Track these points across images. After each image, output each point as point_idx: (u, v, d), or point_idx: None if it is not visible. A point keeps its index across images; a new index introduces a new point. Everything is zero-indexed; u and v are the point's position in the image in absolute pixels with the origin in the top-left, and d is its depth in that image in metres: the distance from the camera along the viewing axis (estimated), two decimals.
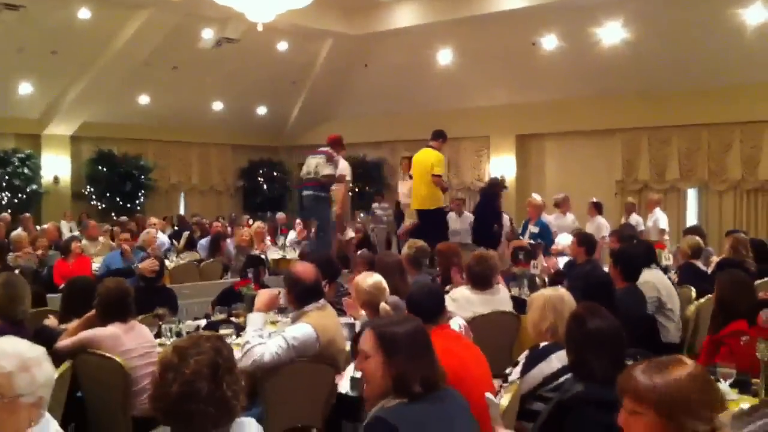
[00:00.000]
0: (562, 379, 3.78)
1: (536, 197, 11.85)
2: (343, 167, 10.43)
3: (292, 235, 13.16)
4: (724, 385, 3.95)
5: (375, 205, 15.24)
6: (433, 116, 17.45)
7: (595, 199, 12.65)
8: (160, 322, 5.43)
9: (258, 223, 12.31)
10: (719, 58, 13.05)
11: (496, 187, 11.46)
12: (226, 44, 15.50)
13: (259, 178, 21.16)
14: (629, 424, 2.16)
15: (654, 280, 6.40)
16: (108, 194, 17.98)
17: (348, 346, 5.03)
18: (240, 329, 5.14)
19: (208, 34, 15.38)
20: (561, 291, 4.52)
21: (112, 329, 4.70)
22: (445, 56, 15.33)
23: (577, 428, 2.99)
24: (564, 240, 8.95)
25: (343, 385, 3.06)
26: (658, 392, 2.09)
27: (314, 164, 9.83)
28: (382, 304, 4.92)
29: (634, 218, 12.18)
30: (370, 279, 5.09)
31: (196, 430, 2.47)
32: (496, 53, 15.01)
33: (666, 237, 11.71)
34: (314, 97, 19.20)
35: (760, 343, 3.67)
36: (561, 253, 8.61)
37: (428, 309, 4.19)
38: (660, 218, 12.21)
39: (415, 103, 17.56)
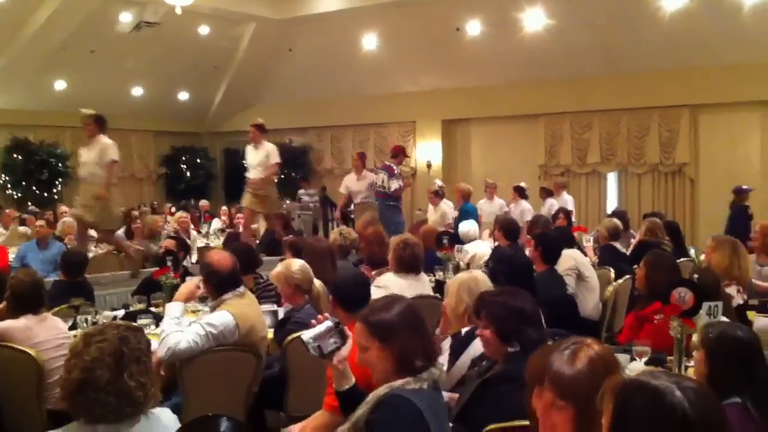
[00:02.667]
0: (485, 362, 3.81)
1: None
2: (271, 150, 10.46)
3: (216, 222, 12.96)
4: (639, 363, 4.02)
5: (301, 191, 15.17)
6: (359, 101, 17.47)
7: (520, 184, 12.85)
8: (76, 314, 5.26)
9: (180, 213, 12.06)
10: (638, 43, 13.35)
11: None
12: (146, 28, 15.10)
13: (182, 165, 20.73)
14: (549, 415, 2.17)
15: (570, 253, 6.61)
16: (24, 183, 17.37)
17: (271, 334, 4.98)
18: (159, 319, 5.02)
19: (126, 18, 14.95)
20: (475, 273, 4.55)
21: (24, 321, 4.58)
22: (370, 41, 15.27)
23: (499, 405, 3.01)
24: (465, 227, 8.95)
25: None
26: (579, 385, 2.11)
27: (381, 179, 11.10)
28: (318, 282, 4.88)
29: (549, 202, 12.42)
30: (295, 264, 5.03)
31: (97, 419, 2.40)
32: (421, 39, 15.03)
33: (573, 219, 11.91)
34: (238, 83, 18.89)
35: (673, 320, 3.74)
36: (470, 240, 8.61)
37: (354, 296, 4.17)
38: (568, 201, 12.46)
39: (341, 89, 17.47)
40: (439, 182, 12.75)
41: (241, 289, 4.65)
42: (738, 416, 2.79)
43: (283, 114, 18.70)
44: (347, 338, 2.97)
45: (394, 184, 11.03)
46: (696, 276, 4.65)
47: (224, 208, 15.27)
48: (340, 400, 3.04)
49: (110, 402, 2.37)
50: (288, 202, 15.48)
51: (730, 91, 13.26)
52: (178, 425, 2.64)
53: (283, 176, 18.05)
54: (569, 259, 6.53)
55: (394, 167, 11.28)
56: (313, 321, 3.07)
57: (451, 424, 3.15)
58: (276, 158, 10.04)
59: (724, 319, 3.81)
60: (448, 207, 12.01)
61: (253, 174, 10.04)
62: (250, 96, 19.24)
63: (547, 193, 12.85)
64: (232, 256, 4.71)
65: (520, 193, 12.74)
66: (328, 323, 3.00)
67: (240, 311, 4.44)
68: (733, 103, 13.51)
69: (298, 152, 18.71)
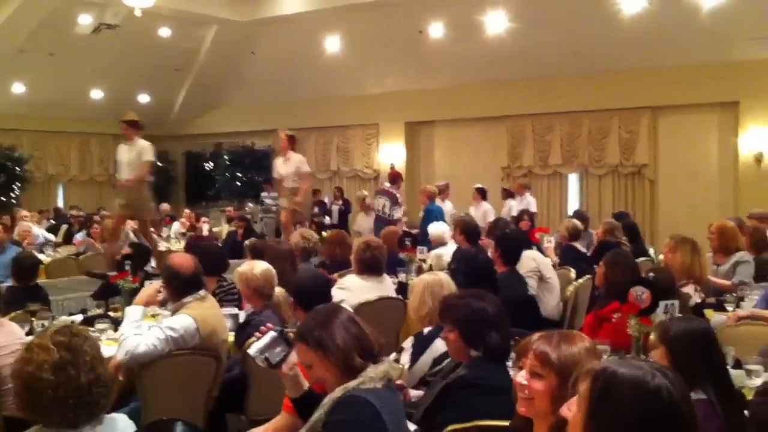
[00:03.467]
0: (445, 363, 3.82)
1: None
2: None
3: (176, 225, 12.84)
4: None
5: (264, 194, 15.07)
6: (322, 104, 17.43)
7: (479, 185, 12.92)
8: (33, 319, 5.17)
9: None
10: (599, 45, 13.48)
11: None
12: (106, 30, 14.91)
13: None
14: (531, 384, 2.31)
15: (531, 254, 6.69)
16: None
17: (231, 337, 4.94)
18: (118, 323, 4.95)
19: (85, 20, 14.75)
20: (440, 276, 4.58)
21: None
22: (333, 44, 15.24)
23: (462, 408, 3.03)
24: (434, 228, 8.96)
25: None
26: (562, 358, 2.27)
27: (382, 204, 11.07)
28: (279, 288, 4.86)
29: (509, 203, 12.51)
30: (259, 267, 5.01)
31: (55, 424, 2.41)
32: (384, 41, 15.04)
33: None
34: (200, 85, 18.74)
35: (630, 319, 3.78)
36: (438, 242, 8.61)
37: (314, 296, 4.19)
38: (531, 202, 12.55)
39: (304, 91, 17.42)
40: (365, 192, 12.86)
41: (202, 292, 4.61)
42: (703, 411, 2.82)
43: (245, 117, 18.63)
44: (294, 344, 2.97)
45: (398, 213, 11.20)
46: (651, 275, 4.71)
47: (186, 211, 15.13)
48: (296, 406, 3.05)
49: (66, 406, 2.37)
50: (251, 205, 15.39)
51: (689, 92, 13.45)
52: (135, 430, 2.62)
53: (246, 179, 18.02)
54: (530, 260, 6.59)
55: (397, 194, 11.38)
56: (257, 334, 3.07)
57: (414, 427, 3.16)
58: (149, 156, 9.50)
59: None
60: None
61: (125, 174, 9.50)
62: (212, 99, 19.10)
63: (507, 194, 12.93)
64: (194, 258, 4.67)
65: (482, 194, 12.81)
66: (272, 333, 3.00)
67: (201, 314, 4.40)
68: (691, 104, 13.71)
69: (260, 155, 18.62)
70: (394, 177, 12.18)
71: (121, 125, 9.68)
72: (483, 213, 12.25)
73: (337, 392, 2.71)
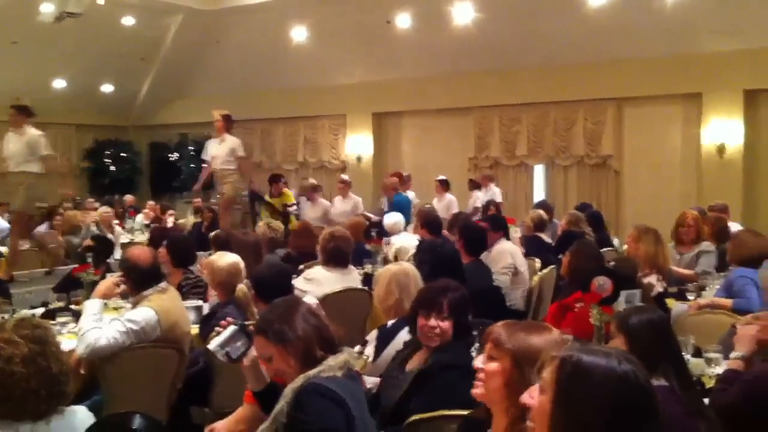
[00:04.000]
0: (405, 351, 3.82)
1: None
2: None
3: (140, 217, 12.70)
4: None
5: None
6: (289, 94, 17.33)
7: (441, 177, 12.93)
8: None
9: (103, 208, 11.77)
10: (565, 37, 13.53)
11: None
12: (69, 18, 14.65)
13: (106, 159, 20.21)
14: (486, 367, 2.34)
15: (509, 249, 6.72)
16: None
17: (195, 329, 4.90)
18: (79, 316, 4.88)
19: (48, 8, 14.49)
20: (405, 266, 4.57)
21: None
22: (299, 33, 15.14)
23: (437, 393, 3.08)
24: (389, 218, 8.95)
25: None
26: (517, 342, 2.29)
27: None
28: (241, 285, 4.83)
29: (475, 194, 12.54)
30: (226, 259, 4.97)
31: (16, 417, 2.41)
32: (352, 31, 14.98)
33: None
34: (165, 75, 18.52)
35: (592, 308, 3.82)
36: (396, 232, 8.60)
37: (275, 288, 4.17)
38: (496, 193, 12.60)
39: (271, 81, 17.29)
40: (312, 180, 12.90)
41: (163, 284, 4.59)
42: (664, 398, 2.83)
43: (210, 107, 18.03)
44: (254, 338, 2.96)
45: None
46: (613, 264, 4.75)
47: (150, 202, 14.96)
48: (259, 400, 3.04)
49: (39, 397, 2.40)
50: (218, 196, 15.23)
51: (653, 84, 13.56)
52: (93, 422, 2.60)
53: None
54: (506, 256, 6.61)
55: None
56: (218, 328, 3.05)
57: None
58: (43, 149, 8.99)
59: (641, 305, 3.90)
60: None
61: (11, 166, 8.96)
62: (177, 88, 18.88)
63: (474, 185, 12.97)
64: (152, 250, 4.64)
65: (444, 186, 12.84)
66: (233, 327, 2.99)
67: (162, 307, 4.38)
68: (655, 96, 13.83)
69: None
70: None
71: (10, 111, 9.04)
72: (446, 204, 12.30)
73: (298, 381, 2.70)
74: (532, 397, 1.83)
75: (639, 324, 3.04)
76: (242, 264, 5.00)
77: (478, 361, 2.39)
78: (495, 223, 7.19)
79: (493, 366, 2.31)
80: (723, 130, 13.13)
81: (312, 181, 12.76)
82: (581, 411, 1.70)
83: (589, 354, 1.76)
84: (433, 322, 3.38)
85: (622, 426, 1.69)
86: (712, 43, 12.78)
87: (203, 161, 14.16)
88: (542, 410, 1.77)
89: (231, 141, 10.71)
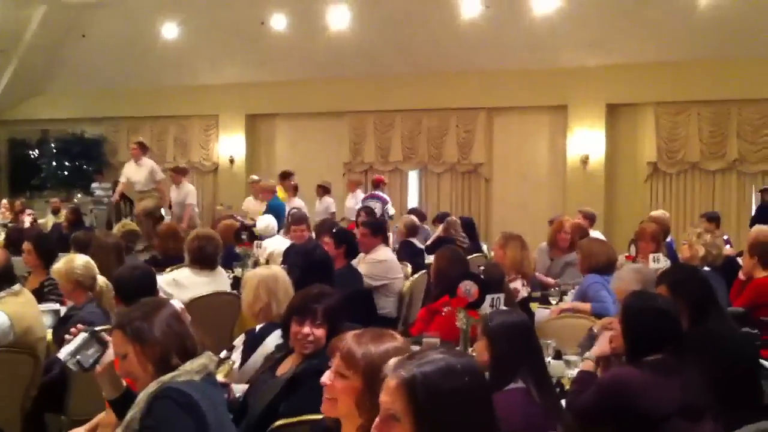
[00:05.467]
0: (277, 355, 3.76)
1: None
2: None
3: None
4: None
5: (95, 184, 14.43)
6: (158, 92, 16.82)
7: (322, 183, 12.93)
8: None
9: None
10: (438, 46, 13.79)
11: None
12: None
13: None
14: (334, 384, 2.24)
15: (389, 258, 6.73)
16: None
17: (50, 334, 4.67)
18: None
19: None
20: (275, 270, 4.50)
21: None
22: (170, 30, 14.74)
23: (306, 399, 2.98)
24: (262, 222, 8.86)
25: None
26: (368, 360, 2.19)
27: (378, 209, 11.08)
28: (101, 278, 4.62)
29: (326, 200, 12.55)
30: (80, 259, 4.75)
31: None
32: (225, 30, 14.71)
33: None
34: (26, 68, 17.56)
35: (459, 312, 3.86)
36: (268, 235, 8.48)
37: (136, 290, 4.03)
38: (330, 204, 12.63)
39: (139, 78, 16.71)
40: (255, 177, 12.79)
41: (17, 287, 4.37)
42: (521, 400, 2.95)
43: (75, 103, 17.68)
44: (108, 344, 2.84)
45: (391, 210, 12.07)
46: (482, 269, 4.85)
47: (5, 201, 14.19)
48: (114, 408, 2.90)
49: None
50: (79, 196, 14.65)
51: (521, 95, 14.00)
52: None
53: (74, 169, 17.13)
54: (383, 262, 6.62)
55: (385, 195, 12.19)
56: (67, 336, 2.90)
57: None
58: None
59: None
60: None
61: None
62: (39, 83, 17.97)
63: (324, 190, 12.93)
64: (4, 251, 4.38)
65: (324, 189, 12.84)
66: (84, 335, 2.85)
67: (14, 310, 4.18)
68: (524, 107, 14.28)
69: (91, 144, 17.76)
70: (378, 180, 12.69)
71: None
72: (325, 207, 12.35)
73: (152, 386, 2.60)
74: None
75: (499, 327, 3.12)
76: (93, 263, 4.79)
77: (325, 377, 2.30)
78: (375, 228, 7.11)
79: (344, 386, 2.23)
80: (587, 141, 13.73)
81: (255, 177, 12.96)
82: (444, 422, 1.69)
83: (424, 367, 1.72)
84: (307, 329, 3.32)
85: (481, 414, 1.71)
86: (576, 58, 13.35)
87: (98, 171, 14.00)
88: None
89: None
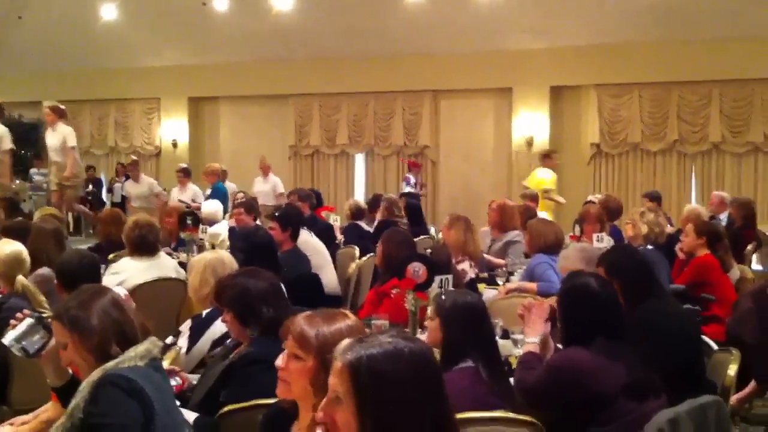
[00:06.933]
0: (228, 342, 3.73)
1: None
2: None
3: None
4: None
5: (33, 170, 14.09)
6: (98, 75, 16.44)
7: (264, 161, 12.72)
8: None
9: None
10: (384, 28, 13.75)
11: None
12: None
13: None
14: (288, 366, 2.24)
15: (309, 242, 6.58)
16: None
17: None
18: None
19: None
20: (221, 254, 4.46)
21: None
22: (109, 11, 14.39)
23: (248, 385, 3.02)
24: (206, 207, 8.72)
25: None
26: (321, 340, 2.18)
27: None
28: (20, 277, 4.45)
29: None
30: (9, 248, 4.58)
31: None
32: (165, 11, 14.41)
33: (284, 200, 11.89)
34: None
35: (408, 294, 3.86)
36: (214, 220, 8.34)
37: (79, 277, 3.95)
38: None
39: (78, 61, 16.28)
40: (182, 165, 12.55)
41: None
42: (469, 379, 2.99)
43: (12, 86, 17.11)
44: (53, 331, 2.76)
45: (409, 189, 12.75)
46: (429, 251, 4.85)
47: None
48: (59, 396, 2.84)
49: None
50: (18, 182, 14.24)
51: (467, 78, 14.07)
52: None
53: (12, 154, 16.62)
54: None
55: (412, 177, 12.99)
56: (12, 321, 2.82)
57: (193, 415, 3.07)
58: None
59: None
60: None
61: None
62: None
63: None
64: None
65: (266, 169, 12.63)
66: (29, 320, 2.78)
67: None
68: (470, 89, 14.35)
69: (28, 128, 17.24)
70: (410, 165, 13.37)
71: None
72: (273, 186, 12.12)
73: (95, 374, 2.54)
74: (326, 413, 1.76)
75: (453, 308, 3.14)
76: (26, 253, 4.62)
77: (280, 360, 2.29)
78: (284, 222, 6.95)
79: (297, 365, 2.22)
80: (531, 123, 13.86)
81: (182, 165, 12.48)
82: (388, 406, 1.68)
83: (371, 348, 1.72)
84: (224, 315, 3.35)
85: (428, 398, 1.70)
86: (521, 42, 13.45)
87: (36, 156, 13.51)
88: (347, 424, 1.71)
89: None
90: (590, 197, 9.79)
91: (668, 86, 13.10)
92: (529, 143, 13.87)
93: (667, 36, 12.67)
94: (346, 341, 1.82)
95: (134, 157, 13.18)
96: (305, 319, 2.27)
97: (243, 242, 5.24)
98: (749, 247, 7.97)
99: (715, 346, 3.99)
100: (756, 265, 8.08)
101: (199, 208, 9.64)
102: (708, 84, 12.85)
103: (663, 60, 12.84)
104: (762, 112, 12.68)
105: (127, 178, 12.41)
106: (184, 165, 12.58)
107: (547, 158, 11.61)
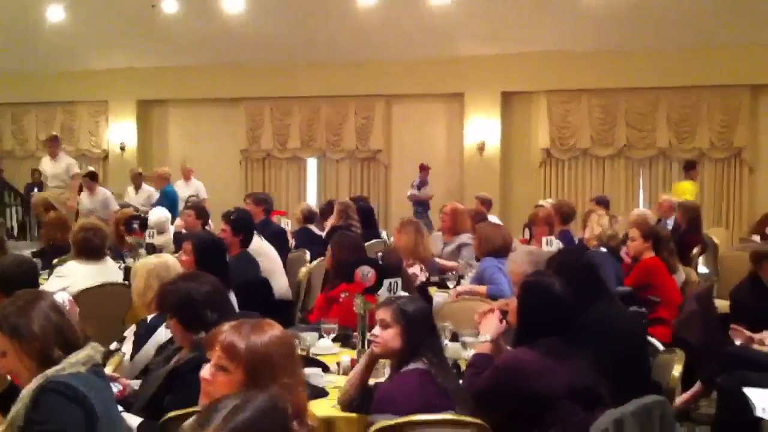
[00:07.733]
0: (172, 347, 3.67)
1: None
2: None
3: None
4: (326, 340, 4.10)
5: None
6: (44, 77, 16.07)
7: (185, 165, 12.58)
8: None
9: None
10: (335, 34, 13.71)
11: None
12: None
13: None
14: (215, 379, 2.15)
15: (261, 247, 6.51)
16: None
17: None
18: None
19: None
20: (166, 258, 4.40)
21: None
22: (56, 13, 14.08)
23: (188, 391, 2.82)
24: (155, 215, 8.48)
25: None
26: (250, 351, 2.11)
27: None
28: None
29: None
30: None
31: None
32: (113, 13, 14.14)
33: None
34: None
35: (356, 297, 3.84)
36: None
37: (19, 283, 3.85)
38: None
39: (24, 63, 15.84)
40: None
41: None
42: (417, 380, 3.01)
43: None
44: None
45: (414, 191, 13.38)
46: (380, 255, 4.84)
47: None
48: None
49: None
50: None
51: (419, 83, 14.12)
52: None
53: None
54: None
55: (418, 179, 13.48)
56: None
57: (137, 420, 3.03)
58: None
59: (404, 293, 3.97)
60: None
61: None
62: None
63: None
64: None
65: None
66: None
67: None
68: (422, 94, 14.42)
69: None
70: (421, 168, 13.57)
71: None
72: (195, 189, 11.95)
73: (35, 382, 2.50)
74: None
75: (417, 314, 3.13)
76: None
77: (205, 371, 2.19)
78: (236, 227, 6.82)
79: (225, 378, 2.14)
80: (483, 128, 13.97)
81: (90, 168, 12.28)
82: None
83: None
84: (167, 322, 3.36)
85: None
86: (472, 47, 13.55)
87: None
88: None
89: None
90: (541, 201, 9.88)
91: (616, 93, 13.33)
92: (481, 148, 13.98)
93: (616, 44, 12.88)
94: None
95: (54, 133, 12.91)
96: (232, 328, 2.18)
97: (193, 245, 5.14)
98: (695, 250, 8.13)
99: (660, 347, 4.05)
100: (702, 268, 8.25)
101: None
102: (655, 91, 13.10)
103: (611, 67, 13.06)
104: (708, 118, 12.97)
105: None
106: (140, 170, 12.49)
107: (692, 170, 11.96)
